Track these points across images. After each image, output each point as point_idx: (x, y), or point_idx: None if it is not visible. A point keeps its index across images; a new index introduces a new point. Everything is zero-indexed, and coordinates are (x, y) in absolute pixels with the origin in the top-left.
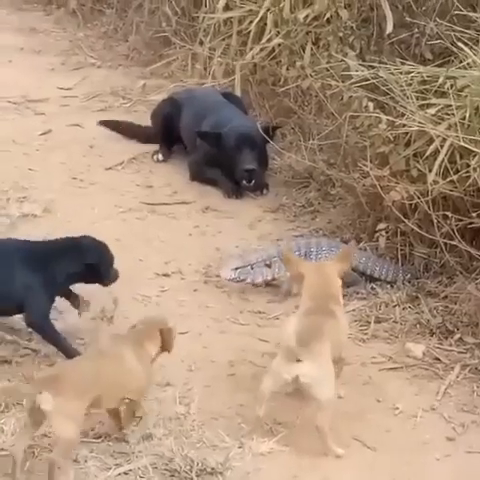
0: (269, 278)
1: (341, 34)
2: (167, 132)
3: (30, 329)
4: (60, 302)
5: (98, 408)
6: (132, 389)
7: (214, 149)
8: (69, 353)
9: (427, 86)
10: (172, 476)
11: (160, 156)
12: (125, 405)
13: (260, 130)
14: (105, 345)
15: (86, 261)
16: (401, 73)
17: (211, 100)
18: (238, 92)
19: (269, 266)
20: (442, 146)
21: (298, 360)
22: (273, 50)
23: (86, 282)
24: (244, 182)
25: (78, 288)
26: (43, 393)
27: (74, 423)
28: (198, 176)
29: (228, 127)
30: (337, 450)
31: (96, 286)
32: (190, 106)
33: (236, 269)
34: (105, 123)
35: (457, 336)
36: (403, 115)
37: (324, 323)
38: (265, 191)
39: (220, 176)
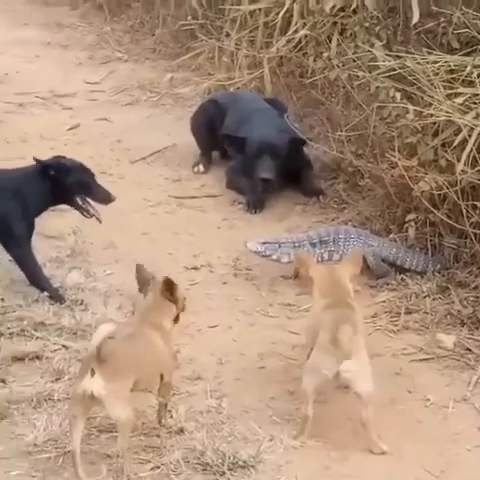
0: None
1: (367, 24)
2: (209, 136)
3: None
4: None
5: (136, 390)
6: (163, 369)
7: (239, 154)
8: None
9: (454, 75)
10: (204, 470)
11: (201, 167)
12: (158, 390)
13: (286, 141)
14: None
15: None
16: (428, 63)
17: (254, 106)
18: (268, 85)
19: (298, 248)
20: (470, 135)
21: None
22: (299, 41)
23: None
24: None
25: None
26: (94, 378)
27: (128, 404)
28: (232, 184)
29: (254, 133)
30: (382, 445)
31: (126, 280)
32: (234, 110)
33: (264, 243)
34: None
35: None
36: (430, 105)
37: (351, 316)
38: (321, 197)
39: (248, 187)
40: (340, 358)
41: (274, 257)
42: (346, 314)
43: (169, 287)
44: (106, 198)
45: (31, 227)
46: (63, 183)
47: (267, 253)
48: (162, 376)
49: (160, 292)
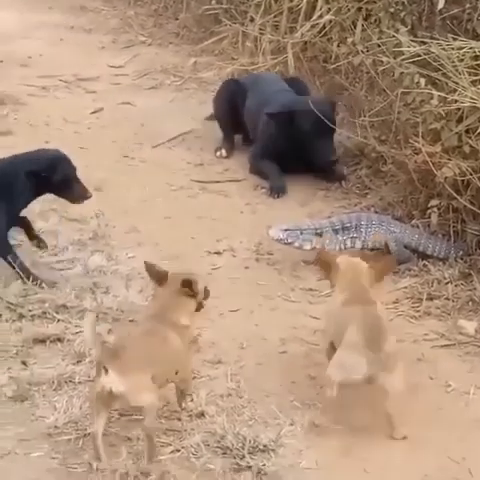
0: (318, 247)
1: (392, 10)
2: (232, 115)
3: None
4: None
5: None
6: (178, 367)
7: (286, 131)
8: None
9: (479, 62)
10: (224, 454)
11: (223, 152)
12: (175, 384)
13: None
14: (146, 325)
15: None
16: (453, 49)
17: (276, 86)
18: (291, 70)
19: (320, 235)
20: None
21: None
22: (324, 27)
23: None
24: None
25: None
26: (109, 375)
27: (149, 390)
28: (255, 169)
29: (302, 106)
30: (404, 431)
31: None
32: (255, 91)
33: (286, 230)
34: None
35: None
36: (455, 91)
37: (374, 311)
38: (344, 183)
39: (274, 171)
40: (376, 365)
41: (296, 244)
42: (377, 316)
43: (188, 284)
44: (83, 195)
45: (11, 222)
46: (50, 181)
47: (289, 240)
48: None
49: (178, 290)
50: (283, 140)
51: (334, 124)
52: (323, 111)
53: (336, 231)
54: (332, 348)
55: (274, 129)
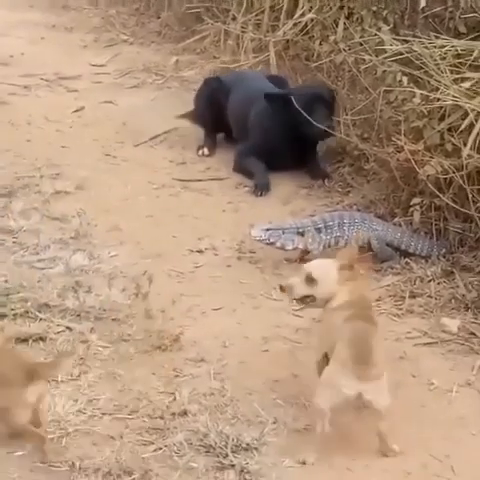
0: (301, 247)
1: (374, 8)
2: (213, 113)
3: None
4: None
5: None
6: None
7: (281, 115)
8: None
9: (461, 60)
10: (207, 452)
11: (205, 150)
12: None
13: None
14: None
15: None
16: (435, 47)
17: (261, 83)
18: (273, 68)
19: (302, 235)
20: (477, 120)
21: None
22: (306, 25)
23: None
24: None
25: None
26: (33, 385)
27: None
28: (239, 167)
29: (296, 90)
30: (396, 448)
31: (130, 262)
32: (240, 88)
33: (267, 230)
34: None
35: None
36: (437, 89)
37: (369, 330)
38: (327, 181)
39: (260, 169)
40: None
41: (278, 244)
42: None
43: None
44: None
45: None
46: None
47: (271, 240)
48: None
49: None
50: (278, 125)
51: (332, 108)
52: (320, 91)
53: (319, 230)
54: (325, 361)
55: (269, 115)
